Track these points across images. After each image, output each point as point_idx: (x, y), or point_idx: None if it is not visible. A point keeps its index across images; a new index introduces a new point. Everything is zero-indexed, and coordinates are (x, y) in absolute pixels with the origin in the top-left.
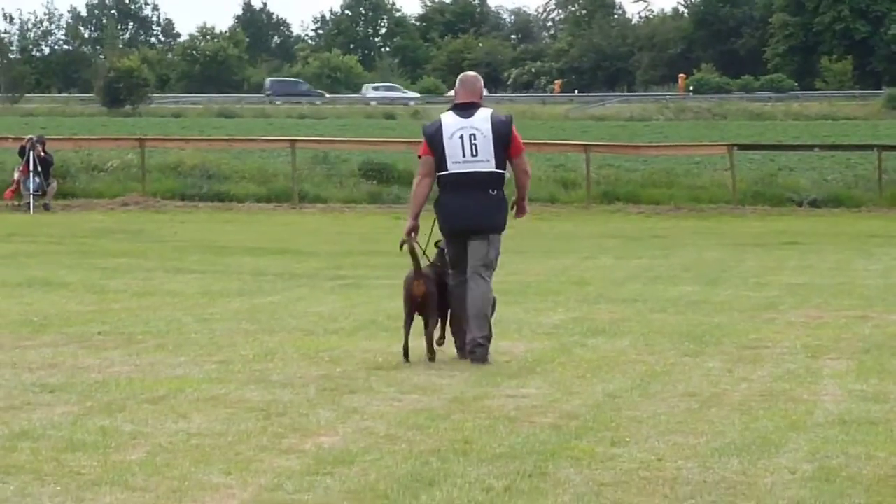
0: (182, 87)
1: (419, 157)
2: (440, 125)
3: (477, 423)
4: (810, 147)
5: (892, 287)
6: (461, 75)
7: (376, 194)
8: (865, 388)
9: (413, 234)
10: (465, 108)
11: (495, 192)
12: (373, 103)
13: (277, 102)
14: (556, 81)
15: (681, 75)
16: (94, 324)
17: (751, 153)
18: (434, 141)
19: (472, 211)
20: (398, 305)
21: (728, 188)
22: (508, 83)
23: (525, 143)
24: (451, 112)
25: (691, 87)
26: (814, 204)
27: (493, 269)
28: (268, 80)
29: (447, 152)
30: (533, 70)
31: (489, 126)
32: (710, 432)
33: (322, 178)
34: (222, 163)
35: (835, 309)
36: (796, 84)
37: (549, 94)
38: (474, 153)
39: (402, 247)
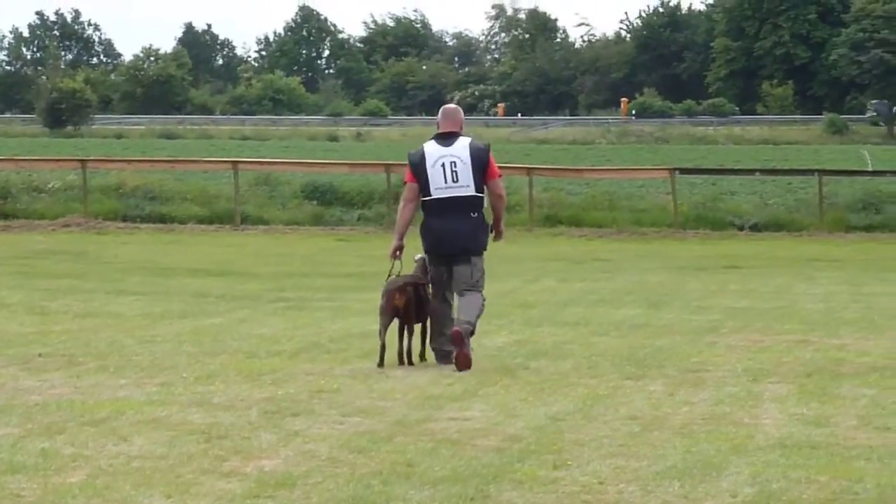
0: (124, 107)
1: (404, 182)
2: (423, 153)
3: (420, 446)
4: (751, 171)
5: (833, 311)
6: (443, 107)
7: (319, 216)
8: (806, 411)
9: (399, 253)
10: (447, 138)
11: (475, 214)
12: None
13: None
14: (499, 104)
15: (623, 99)
16: (35, 345)
17: (692, 177)
18: (418, 169)
19: (456, 234)
20: (340, 327)
21: (670, 212)
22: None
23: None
24: (433, 141)
25: (634, 111)
26: (755, 228)
27: (482, 287)
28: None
29: (430, 179)
30: (476, 93)
31: (468, 153)
32: (651, 455)
33: (264, 200)
34: (164, 184)
35: (776, 333)
36: (738, 108)
37: (492, 118)
38: (455, 179)
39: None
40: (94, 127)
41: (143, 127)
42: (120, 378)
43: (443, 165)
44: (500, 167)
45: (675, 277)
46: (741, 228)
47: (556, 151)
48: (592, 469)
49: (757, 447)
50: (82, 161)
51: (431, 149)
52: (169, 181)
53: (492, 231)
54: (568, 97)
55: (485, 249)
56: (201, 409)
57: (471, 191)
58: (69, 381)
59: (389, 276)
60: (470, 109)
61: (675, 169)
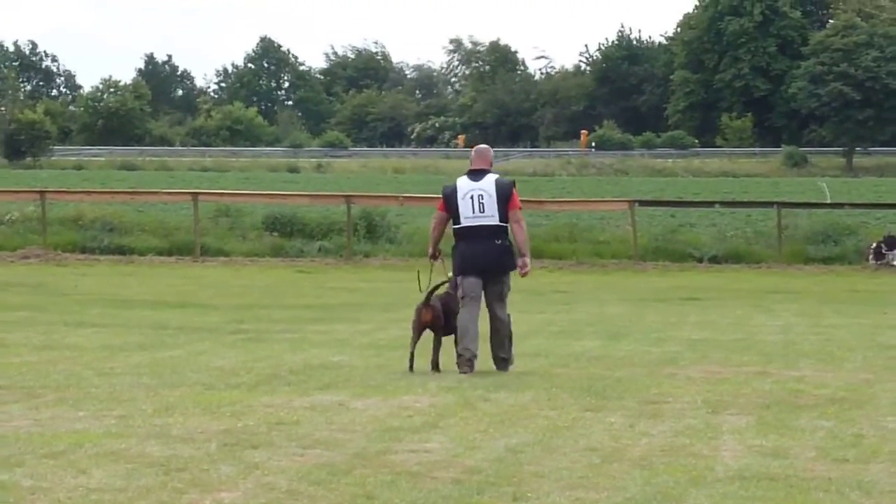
0: (84, 139)
1: (438, 210)
2: (455, 187)
3: (379, 479)
4: (711, 203)
5: (792, 343)
6: (476, 147)
7: (279, 247)
8: (765, 443)
9: (438, 254)
10: (477, 174)
11: (500, 241)
12: None
13: None
14: (459, 136)
15: (583, 131)
16: None
17: (652, 209)
18: (450, 200)
19: (484, 257)
20: (300, 359)
21: (630, 244)
22: (412, 138)
23: (428, 198)
24: (465, 177)
25: (593, 144)
26: (714, 260)
27: (507, 299)
28: None
29: (460, 210)
30: (437, 125)
31: (494, 188)
32: (611, 487)
33: (224, 232)
34: (124, 216)
35: (735, 364)
36: (697, 141)
37: (452, 149)
38: (482, 210)
39: (432, 265)
40: (53, 158)
41: (102, 158)
42: (79, 410)
43: (471, 198)
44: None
45: (635, 309)
46: (700, 260)
47: (517, 183)
48: (552, 501)
49: (716, 479)
50: (41, 192)
51: (463, 183)
52: (128, 213)
53: (519, 259)
54: (528, 129)
55: (512, 269)
56: (160, 442)
57: (495, 220)
58: (28, 414)
59: (420, 282)
60: (430, 141)
61: (634, 201)
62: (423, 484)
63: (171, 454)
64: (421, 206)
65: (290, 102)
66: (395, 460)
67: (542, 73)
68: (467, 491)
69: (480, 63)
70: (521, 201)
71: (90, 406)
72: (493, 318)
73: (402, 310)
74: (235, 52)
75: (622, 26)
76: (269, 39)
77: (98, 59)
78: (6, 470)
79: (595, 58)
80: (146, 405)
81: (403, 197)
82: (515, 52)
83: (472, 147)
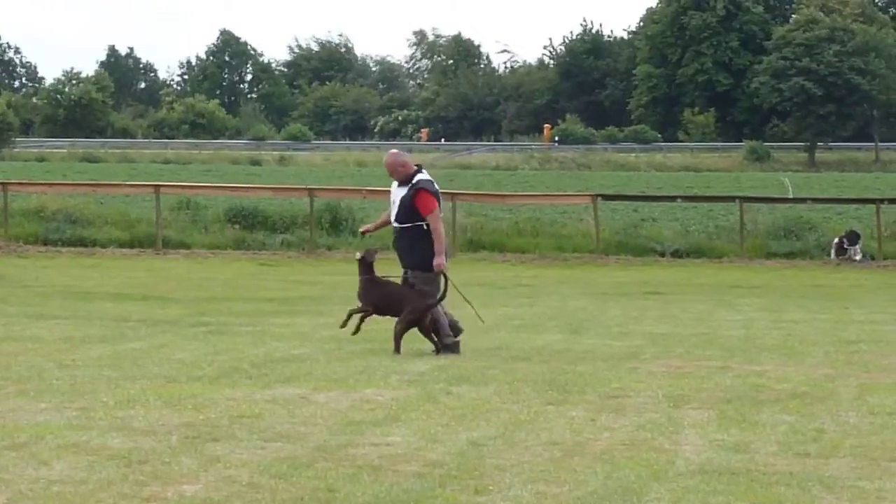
0: (45, 131)
1: (432, 210)
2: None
3: (341, 472)
4: (673, 198)
5: (753, 338)
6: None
7: (241, 240)
8: (726, 437)
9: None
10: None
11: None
12: None
13: None
14: (422, 130)
15: (546, 126)
16: None
17: (614, 203)
18: (438, 196)
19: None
20: (262, 352)
21: (592, 238)
22: (375, 131)
23: (390, 192)
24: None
25: (556, 138)
26: (676, 254)
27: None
28: None
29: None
30: (400, 118)
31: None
32: (572, 481)
33: (186, 224)
34: (85, 208)
35: (696, 359)
36: (659, 136)
37: (415, 143)
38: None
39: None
40: (15, 150)
41: (64, 150)
42: (40, 402)
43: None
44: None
45: (597, 303)
46: (662, 255)
47: (480, 177)
48: (514, 494)
49: (677, 473)
50: (3, 184)
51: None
52: (90, 205)
53: None
54: (491, 123)
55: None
56: (121, 434)
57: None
58: None
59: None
60: (393, 134)
61: (597, 195)
62: (385, 477)
63: (133, 447)
64: (384, 199)
65: (254, 95)
66: (357, 454)
67: (505, 67)
68: (429, 484)
69: (443, 56)
70: (484, 195)
71: (51, 398)
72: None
73: None
74: (198, 44)
75: (584, 20)
76: (229, 32)
77: (60, 52)
78: None
79: (559, 52)
80: (108, 397)
81: (366, 190)
82: (479, 45)
83: (431, 141)
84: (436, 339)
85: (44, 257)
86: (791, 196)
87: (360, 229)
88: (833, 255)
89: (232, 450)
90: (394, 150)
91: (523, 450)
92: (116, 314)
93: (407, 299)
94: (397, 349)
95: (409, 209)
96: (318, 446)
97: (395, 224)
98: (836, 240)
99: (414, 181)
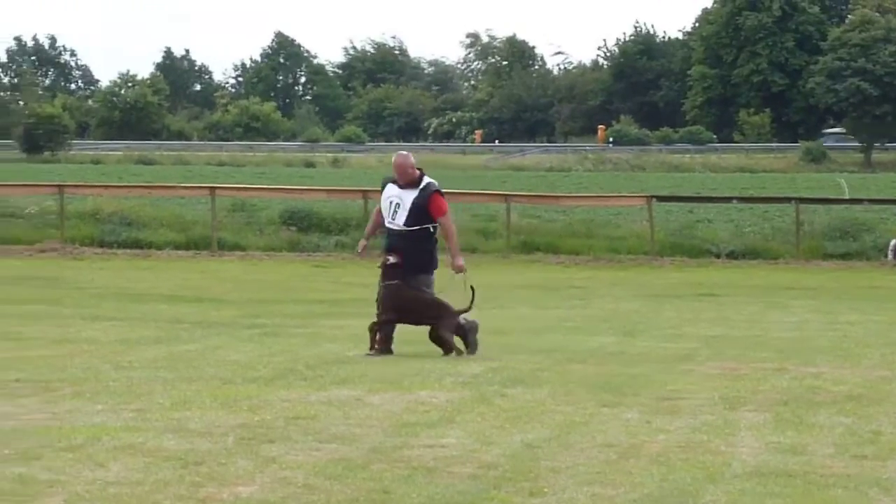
0: (101, 133)
1: (445, 212)
2: None
3: (395, 473)
4: (728, 199)
5: (808, 340)
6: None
7: (296, 242)
8: (782, 440)
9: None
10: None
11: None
12: None
13: None
14: (476, 131)
15: (600, 127)
16: (11, 371)
17: (669, 205)
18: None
19: None
20: (316, 354)
21: (646, 239)
22: (429, 133)
23: (445, 193)
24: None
25: (611, 139)
26: (731, 256)
27: None
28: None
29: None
30: (454, 120)
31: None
32: (627, 483)
33: (241, 226)
34: (141, 210)
35: (752, 361)
36: (714, 136)
37: (469, 144)
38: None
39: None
40: (71, 152)
41: (119, 153)
42: (96, 404)
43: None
44: (477, 194)
45: (651, 305)
46: (717, 256)
47: (533, 178)
48: (569, 497)
49: (733, 475)
50: (59, 186)
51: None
52: (145, 207)
53: None
54: (544, 124)
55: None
56: (177, 436)
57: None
58: (45, 407)
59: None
60: (447, 136)
61: (651, 196)
62: (439, 479)
63: (189, 448)
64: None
65: (308, 98)
66: (412, 455)
67: (559, 69)
68: (484, 486)
69: (497, 58)
70: (537, 197)
71: (107, 400)
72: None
73: None
74: (253, 47)
75: (637, 22)
76: (283, 34)
77: (115, 54)
78: (24, 463)
79: (613, 53)
80: (163, 399)
81: None
82: (533, 47)
83: (485, 143)
84: (454, 343)
85: (99, 259)
86: (847, 197)
87: (360, 250)
88: (890, 256)
89: (287, 451)
90: (404, 152)
91: (578, 452)
92: (171, 316)
93: (433, 306)
94: (452, 349)
95: (421, 212)
96: (372, 448)
97: (401, 227)
98: (893, 241)
99: (424, 184)
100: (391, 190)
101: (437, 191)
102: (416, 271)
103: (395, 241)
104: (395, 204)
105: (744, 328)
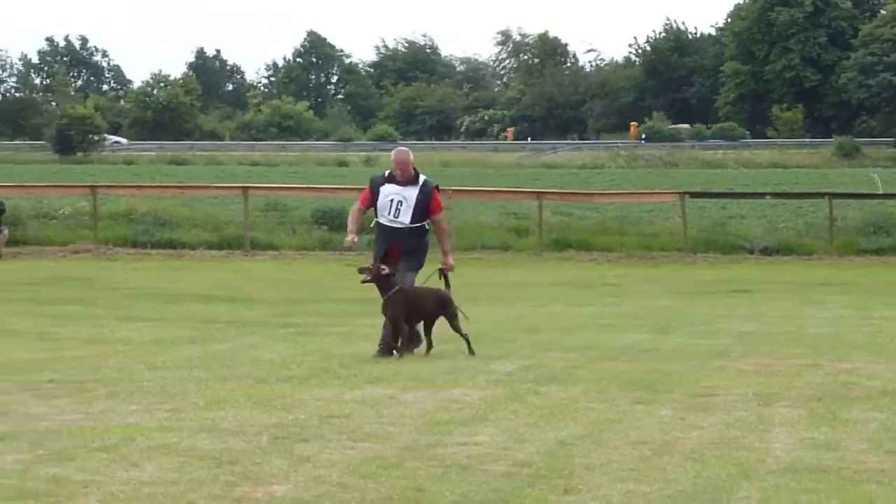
0: (134, 133)
1: (442, 208)
2: None
3: (429, 472)
4: (761, 195)
5: (842, 335)
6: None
7: (328, 241)
8: (817, 435)
9: None
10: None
11: None
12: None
13: None
14: (508, 129)
15: (633, 123)
16: (45, 371)
17: (702, 201)
18: None
19: None
20: (349, 353)
21: (679, 236)
22: (461, 131)
23: (477, 191)
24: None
25: (643, 135)
26: (764, 252)
27: None
28: None
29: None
30: (485, 117)
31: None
32: (661, 480)
33: (274, 226)
34: (174, 210)
35: (785, 357)
36: (747, 132)
37: (501, 142)
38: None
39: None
40: (103, 153)
41: (152, 153)
42: (130, 404)
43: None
44: (509, 192)
45: (684, 301)
46: (751, 252)
47: (566, 176)
48: (603, 494)
49: (767, 471)
50: (92, 187)
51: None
52: (178, 207)
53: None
54: (577, 121)
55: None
56: (211, 435)
57: None
58: (79, 408)
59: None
60: (479, 134)
61: (684, 193)
62: (473, 477)
63: (223, 447)
64: (470, 199)
65: (340, 97)
66: (445, 453)
67: (591, 66)
68: (518, 484)
69: (529, 55)
70: (570, 194)
71: (142, 400)
72: None
73: None
74: (285, 46)
75: (668, 19)
76: (316, 34)
77: (147, 54)
78: (58, 464)
79: (644, 49)
80: (197, 399)
81: (452, 190)
82: (565, 44)
83: (517, 140)
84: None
85: (132, 259)
86: (881, 192)
87: (349, 244)
88: None
89: (321, 450)
90: (404, 148)
91: (612, 449)
92: (205, 316)
93: (433, 297)
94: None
95: (423, 208)
96: (406, 446)
97: (406, 224)
98: None
99: (422, 181)
100: (391, 188)
101: (437, 187)
102: (415, 268)
103: (397, 238)
104: (398, 202)
105: (778, 324)
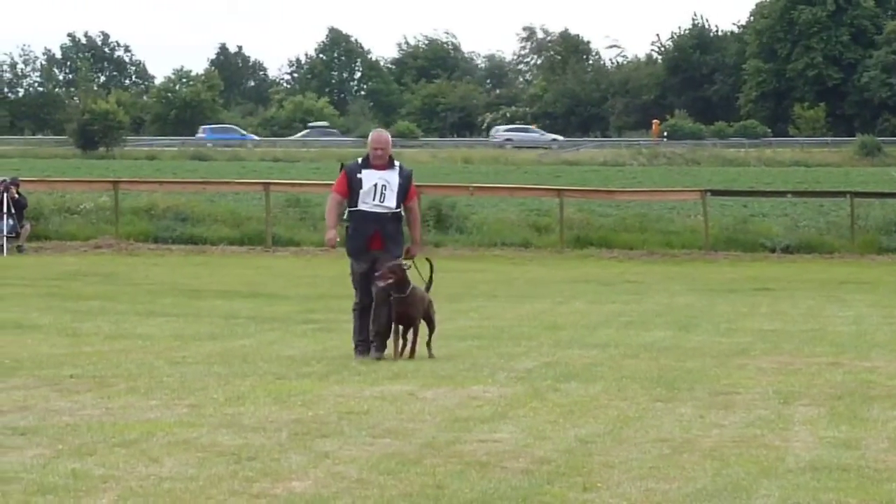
0: (156, 129)
1: (416, 196)
2: None
3: (448, 468)
4: (783, 193)
5: (864, 334)
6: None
7: None
8: (837, 434)
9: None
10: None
11: None
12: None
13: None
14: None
15: (655, 121)
16: (66, 367)
17: (724, 199)
18: None
19: None
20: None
21: (701, 234)
22: (483, 128)
23: (498, 188)
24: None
25: (665, 133)
26: (786, 250)
27: None
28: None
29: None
30: (507, 114)
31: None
32: (681, 478)
33: (295, 222)
34: (196, 206)
35: (806, 355)
36: (769, 130)
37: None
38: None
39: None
40: (125, 148)
41: (174, 149)
42: (150, 399)
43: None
44: (530, 189)
45: (705, 299)
46: (772, 250)
47: (587, 173)
48: (622, 491)
49: (787, 470)
50: (114, 182)
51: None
52: (200, 203)
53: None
54: (598, 119)
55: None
56: (231, 431)
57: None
58: (100, 403)
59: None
60: None
61: (706, 191)
62: (492, 474)
63: (243, 443)
64: (491, 195)
65: (362, 93)
66: (465, 450)
67: (613, 63)
68: (537, 481)
69: (552, 52)
70: (591, 191)
71: (161, 395)
72: None
73: (471, 300)
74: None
75: (695, 15)
76: (338, 30)
77: (170, 50)
78: (78, 458)
79: (666, 47)
80: (217, 394)
81: (474, 187)
82: (588, 42)
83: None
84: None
85: (154, 255)
86: None
87: (331, 242)
88: None
89: (341, 446)
90: (382, 129)
91: (632, 447)
92: (226, 311)
93: (420, 297)
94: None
95: (403, 193)
96: (426, 443)
97: (391, 209)
98: None
99: (398, 165)
100: (372, 174)
101: (412, 172)
102: (396, 256)
103: (379, 224)
104: (383, 186)
105: (799, 322)
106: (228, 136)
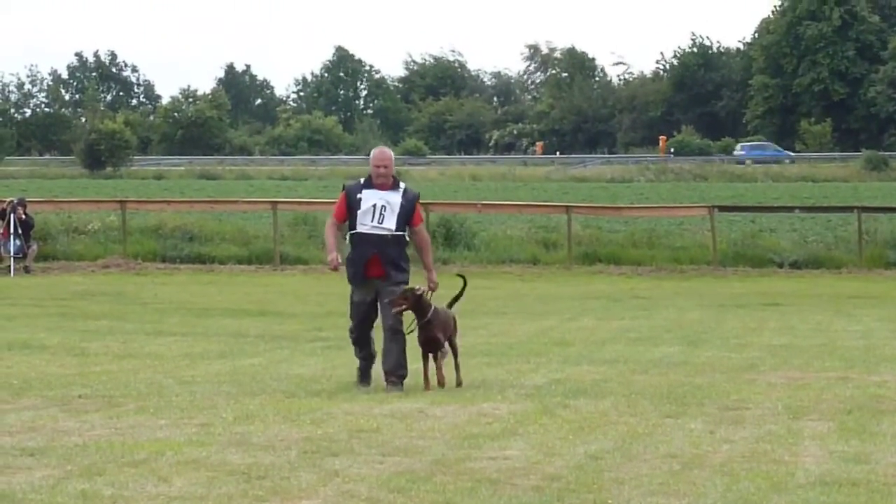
0: (163, 148)
1: (421, 222)
2: None
3: (459, 486)
4: (791, 208)
5: (873, 348)
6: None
7: None
8: (847, 449)
9: None
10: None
11: None
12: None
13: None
14: (537, 143)
15: (661, 137)
16: (75, 387)
17: (732, 215)
18: None
19: None
20: (379, 367)
21: (709, 249)
22: (490, 145)
23: (507, 205)
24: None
25: (672, 149)
26: (794, 265)
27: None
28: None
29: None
30: (514, 132)
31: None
32: (692, 494)
33: (303, 240)
34: (203, 225)
35: (816, 370)
36: (776, 146)
37: (530, 156)
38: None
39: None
40: (133, 168)
41: (182, 168)
42: (159, 419)
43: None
44: (538, 205)
45: (714, 315)
46: (780, 265)
47: (595, 189)
48: None
49: (797, 485)
50: (122, 202)
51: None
52: (208, 222)
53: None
54: (605, 135)
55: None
56: (240, 450)
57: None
58: (109, 422)
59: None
60: (508, 148)
61: (714, 206)
62: (503, 491)
63: (252, 462)
64: (499, 212)
65: (369, 111)
66: (475, 467)
67: (619, 79)
68: (548, 498)
69: (558, 69)
70: (599, 208)
71: (171, 414)
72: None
73: (480, 317)
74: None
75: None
76: (344, 49)
77: (177, 70)
78: (87, 478)
79: (672, 64)
80: (227, 413)
81: (482, 204)
82: (593, 58)
83: (546, 154)
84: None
85: (162, 274)
86: None
87: (334, 266)
88: None
89: (350, 464)
90: (385, 147)
91: (642, 463)
92: (234, 330)
93: (444, 319)
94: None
95: (406, 216)
96: (436, 460)
97: (391, 231)
98: None
99: (403, 187)
100: (373, 194)
101: (418, 195)
102: (403, 282)
103: (378, 247)
104: (382, 207)
105: (809, 337)
106: (766, 153)
